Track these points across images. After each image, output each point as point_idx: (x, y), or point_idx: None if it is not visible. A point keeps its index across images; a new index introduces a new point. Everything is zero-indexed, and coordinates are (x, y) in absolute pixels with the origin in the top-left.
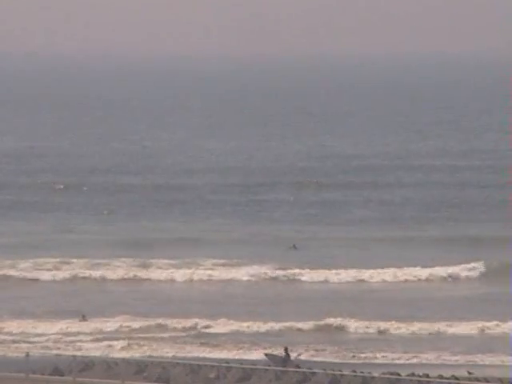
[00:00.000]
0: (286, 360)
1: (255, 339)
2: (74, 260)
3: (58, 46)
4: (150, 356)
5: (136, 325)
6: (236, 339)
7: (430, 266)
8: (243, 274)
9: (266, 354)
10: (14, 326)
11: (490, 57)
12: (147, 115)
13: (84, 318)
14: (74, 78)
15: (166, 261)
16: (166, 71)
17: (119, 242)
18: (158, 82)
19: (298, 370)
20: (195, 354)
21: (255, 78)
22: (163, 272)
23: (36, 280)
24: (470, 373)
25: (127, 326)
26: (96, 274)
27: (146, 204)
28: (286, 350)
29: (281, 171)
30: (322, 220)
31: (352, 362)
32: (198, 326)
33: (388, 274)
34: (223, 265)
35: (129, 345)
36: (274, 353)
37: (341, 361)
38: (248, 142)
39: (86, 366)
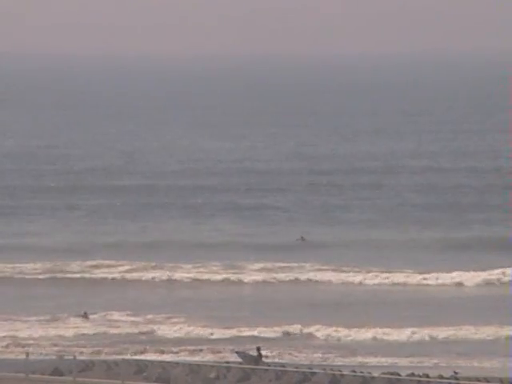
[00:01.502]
0: (257, 360)
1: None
2: (78, 262)
3: (56, 46)
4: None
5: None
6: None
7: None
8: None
9: (237, 352)
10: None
11: (488, 56)
12: (147, 116)
13: (86, 316)
14: (73, 77)
15: (190, 264)
16: (164, 71)
17: (121, 245)
18: (157, 82)
19: (298, 370)
20: None
21: (254, 77)
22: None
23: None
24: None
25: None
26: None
27: (145, 205)
28: (258, 349)
29: (282, 172)
30: (326, 220)
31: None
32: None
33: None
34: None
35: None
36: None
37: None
38: (247, 142)
39: (86, 366)
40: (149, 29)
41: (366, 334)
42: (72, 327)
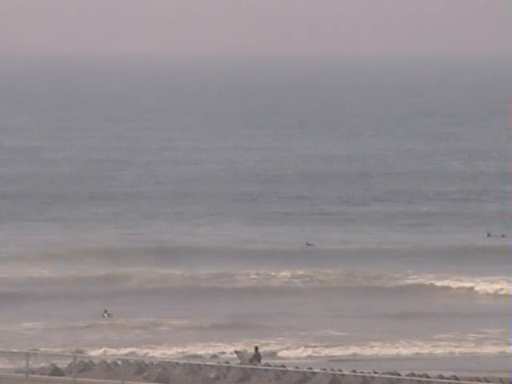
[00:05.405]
0: (252, 359)
1: None
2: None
3: (54, 47)
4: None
5: None
6: None
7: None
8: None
9: (236, 352)
10: None
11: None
12: (150, 118)
13: (107, 314)
14: (75, 78)
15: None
16: (166, 73)
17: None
18: (160, 84)
19: (298, 370)
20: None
21: (258, 78)
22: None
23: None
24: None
25: None
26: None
27: (148, 210)
28: (256, 349)
29: (285, 174)
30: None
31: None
32: None
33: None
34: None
35: None
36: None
37: None
38: (249, 144)
39: (86, 366)
40: (146, 32)
41: None
42: None
